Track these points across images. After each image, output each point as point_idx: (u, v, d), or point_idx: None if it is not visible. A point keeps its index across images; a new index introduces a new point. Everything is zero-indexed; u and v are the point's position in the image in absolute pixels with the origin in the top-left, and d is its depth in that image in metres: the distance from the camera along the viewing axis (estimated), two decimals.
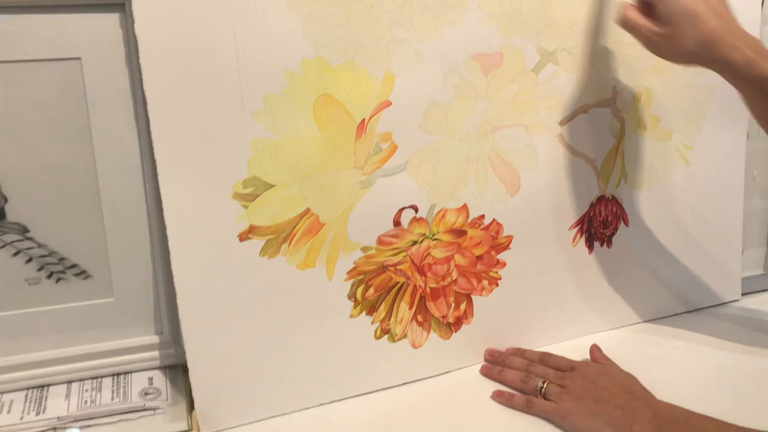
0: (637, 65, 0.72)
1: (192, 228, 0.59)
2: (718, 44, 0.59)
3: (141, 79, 0.56)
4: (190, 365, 0.61)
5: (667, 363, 0.72)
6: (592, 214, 0.74)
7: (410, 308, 0.68)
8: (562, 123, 0.70)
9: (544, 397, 0.63)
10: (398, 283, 0.67)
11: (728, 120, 0.79)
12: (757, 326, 0.80)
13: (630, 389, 0.61)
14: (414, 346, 0.69)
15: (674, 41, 0.60)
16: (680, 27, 0.59)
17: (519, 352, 0.71)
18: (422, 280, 0.68)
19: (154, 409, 0.62)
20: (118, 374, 0.65)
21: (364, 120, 0.63)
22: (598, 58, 0.70)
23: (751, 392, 0.67)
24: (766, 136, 0.85)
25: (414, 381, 0.69)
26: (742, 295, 0.86)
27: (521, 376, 0.66)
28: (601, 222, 0.75)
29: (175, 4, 0.55)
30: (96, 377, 0.64)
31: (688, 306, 0.82)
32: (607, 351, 0.71)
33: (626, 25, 0.63)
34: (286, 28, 0.58)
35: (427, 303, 0.69)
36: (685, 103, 0.75)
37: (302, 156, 0.61)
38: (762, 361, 0.73)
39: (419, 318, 0.69)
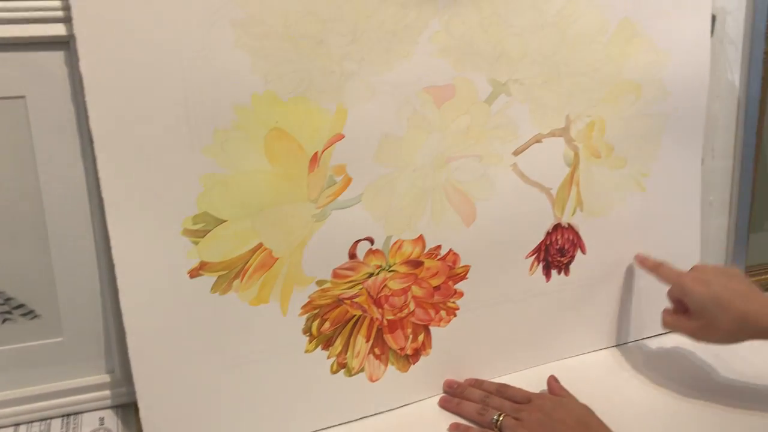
0: (590, 94, 0.72)
1: (141, 265, 0.58)
2: (752, 317, 0.63)
3: (87, 117, 0.55)
4: (140, 404, 0.59)
5: (625, 391, 0.73)
6: (548, 242, 0.74)
7: (367, 341, 0.68)
8: (516, 153, 0.71)
9: (500, 430, 0.62)
10: (354, 316, 0.67)
11: (683, 147, 0.80)
12: (715, 350, 0.81)
13: (584, 421, 0.61)
14: (371, 380, 0.68)
15: (713, 328, 0.65)
16: (712, 315, 0.65)
17: (477, 384, 0.71)
18: (379, 313, 0.68)
19: None
20: (68, 415, 0.63)
21: (316, 153, 0.62)
22: (551, 88, 0.70)
23: (709, 419, 0.68)
24: (722, 163, 0.87)
25: (372, 415, 0.68)
26: None
27: (478, 409, 0.66)
28: (557, 250, 0.75)
29: (121, 41, 0.54)
30: (45, 419, 0.63)
31: (647, 332, 0.83)
32: (566, 380, 0.71)
33: (668, 327, 0.69)
34: (234, 63, 0.58)
35: (384, 335, 0.68)
36: (639, 131, 0.76)
37: (254, 190, 0.61)
38: (722, 387, 0.73)
39: (376, 351, 0.68)
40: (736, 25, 0.82)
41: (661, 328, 0.71)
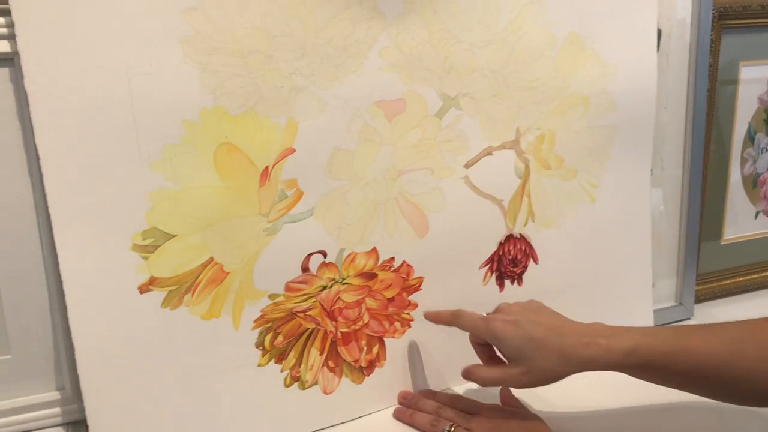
0: (540, 107, 0.74)
1: (90, 281, 0.58)
2: (571, 351, 0.59)
3: (33, 133, 0.55)
4: (90, 422, 0.59)
5: (579, 401, 0.73)
6: (501, 252, 0.76)
7: (321, 354, 0.68)
8: (467, 165, 0.72)
9: None
10: (308, 329, 0.67)
11: (632, 157, 0.81)
12: None
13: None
14: (325, 393, 0.69)
15: (536, 370, 0.59)
16: (530, 357, 0.59)
17: (431, 395, 0.72)
18: (333, 325, 0.68)
19: None
20: None
21: (267, 167, 0.63)
22: (501, 101, 0.72)
23: (662, 428, 0.69)
24: (672, 174, 0.89)
25: (326, 428, 0.68)
26: (657, 326, 0.88)
27: (430, 420, 0.66)
28: (510, 260, 0.76)
29: (66, 58, 0.55)
30: None
31: None
32: (519, 391, 0.71)
33: (486, 383, 0.62)
34: (182, 79, 0.58)
35: (338, 348, 0.69)
36: (588, 142, 0.78)
37: (204, 205, 0.61)
38: (673, 396, 0.75)
39: (330, 363, 0.69)
40: (681, 38, 0.84)
41: (477, 383, 0.63)
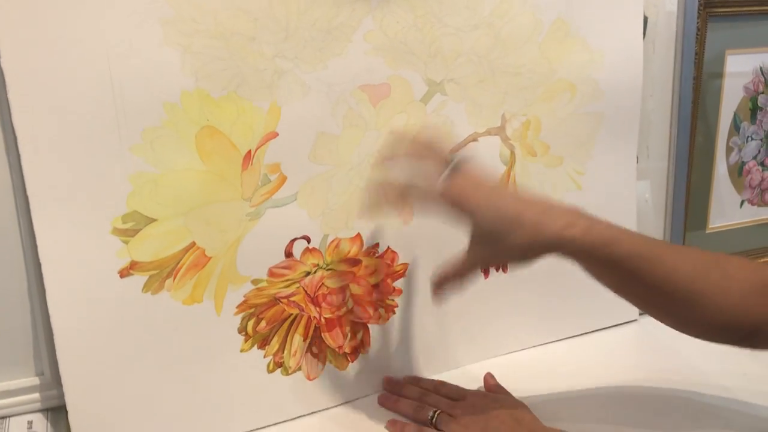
0: (526, 93, 0.73)
1: (69, 265, 0.57)
2: (547, 227, 0.54)
3: (10, 114, 0.54)
4: (69, 407, 0.58)
5: (564, 386, 0.74)
6: None
7: (304, 340, 0.68)
8: (452, 152, 0.71)
9: (436, 427, 0.63)
10: (291, 315, 0.67)
11: (617, 145, 0.81)
12: (654, 346, 0.83)
13: (518, 418, 0.62)
14: (309, 378, 0.68)
15: (500, 243, 0.54)
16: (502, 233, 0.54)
17: (415, 381, 0.71)
18: (317, 311, 0.68)
19: None
20: None
21: (250, 151, 0.62)
22: (486, 87, 0.71)
23: (647, 413, 0.69)
24: (657, 162, 0.89)
25: (309, 413, 0.68)
26: (643, 314, 0.89)
27: (415, 406, 0.66)
28: None
29: (45, 36, 0.54)
30: None
31: (585, 328, 0.84)
32: (504, 375, 0.72)
33: (454, 277, 0.58)
34: (163, 61, 0.57)
35: (322, 334, 0.68)
36: (574, 129, 0.77)
37: (185, 189, 0.60)
38: (657, 381, 0.75)
39: (314, 349, 0.68)
40: (668, 26, 0.84)
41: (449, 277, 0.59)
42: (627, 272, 0.56)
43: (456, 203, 0.56)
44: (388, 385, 0.71)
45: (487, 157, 0.73)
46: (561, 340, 0.83)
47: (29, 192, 0.55)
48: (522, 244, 0.54)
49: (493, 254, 0.56)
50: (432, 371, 0.74)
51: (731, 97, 0.93)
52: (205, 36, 0.58)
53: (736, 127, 0.95)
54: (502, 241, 0.54)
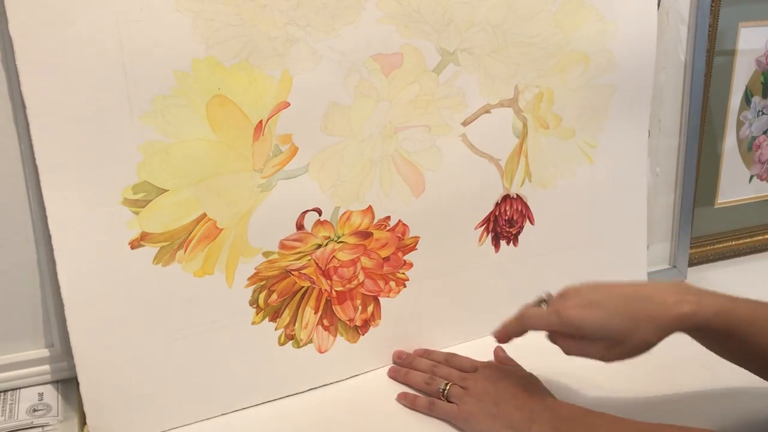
0: (539, 65, 0.72)
1: (79, 236, 0.57)
2: (661, 314, 0.55)
3: (19, 81, 0.53)
4: (80, 379, 0.58)
5: (575, 359, 0.73)
6: (497, 213, 0.75)
7: (315, 313, 0.67)
8: (465, 123, 0.70)
9: (447, 399, 0.63)
10: (303, 287, 0.66)
11: (629, 118, 0.80)
12: None
13: (530, 390, 0.62)
14: (320, 351, 0.68)
15: (630, 345, 0.55)
16: (620, 333, 0.55)
17: (426, 354, 0.71)
18: (328, 284, 0.67)
19: (42, 426, 0.59)
20: (5, 391, 0.62)
21: (261, 121, 0.61)
22: (499, 58, 0.70)
23: (652, 387, 0.69)
24: (668, 134, 0.88)
25: (320, 386, 0.68)
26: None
27: (425, 378, 0.66)
28: (506, 221, 0.75)
29: (53, 3, 0.52)
30: None
31: None
32: (513, 349, 0.71)
33: (572, 352, 0.58)
34: (174, 27, 0.56)
35: (333, 307, 0.68)
36: (586, 101, 0.76)
37: (196, 159, 0.59)
38: (667, 353, 0.75)
39: (325, 322, 0.68)
40: None
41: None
42: (739, 337, 0.55)
43: (573, 327, 0.57)
44: (398, 359, 0.71)
45: (500, 129, 0.72)
46: None
47: (38, 162, 0.55)
48: (644, 337, 0.55)
49: (618, 354, 0.56)
50: (442, 344, 0.74)
51: (743, 71, 0.92)
52: (217, 2, 0.57)
53: (747, 101, 0.94)
54: (624, 343, 0.56)
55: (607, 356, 0.56)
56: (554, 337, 0.59)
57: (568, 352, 0.58)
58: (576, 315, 0.56)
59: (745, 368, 0.59)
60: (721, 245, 0.98)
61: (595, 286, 0.59)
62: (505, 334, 0.63)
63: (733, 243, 0.99)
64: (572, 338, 0.58)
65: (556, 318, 0.58)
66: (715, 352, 0.59)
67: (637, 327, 0.55)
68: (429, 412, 0.63)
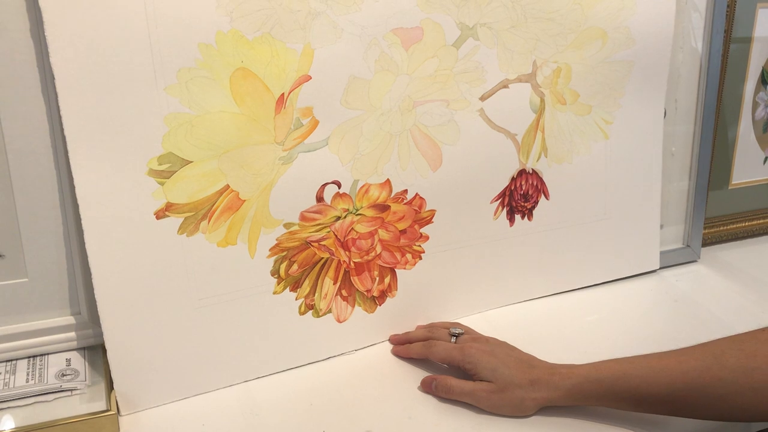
0: (557, 40, 0.73)
1: (106, 206, 0.58)
2: (538, 378, 0.59)
3: (47, 53, 0.54)
4: (108, 345, 0.60)
5: (583, 334, 0.75)
6: (513, 187, 0.76)
7: (335, 283, 0.69)
8: (483, 98, 0.71)
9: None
10: (322, 258, 0.68)
11: (646, 95, 0.81)
12: (673, 296, 0.84)
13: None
14: (339, 321, 0.69)
15: (507, 392, 0.60)
16: (502, 380, 0.60)
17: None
18: (346, 255, 0.69)
19: (71, 390, 0.60)
20: (34, 356, 0.63)
21: (283, 94, 0.62)
22: (518, 33, 0.71)
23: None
24: (684, 116, 0.88)
25: (339, 355, 0.70)
26: (664, 267, 0.89)
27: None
28: (521, 195, 0.76)
29: None
30: (10, 360, 0.63)
31: (607, 276, 0.85)
32: (526, 321, 0.73)
33: (456, 392, 0.62)
34: (199, 0, 0.57)
35: (351, 278, 0.69)
36: (603, 78, 0.77)
37: (219, 131, 0.60)
38: (675, 330, 0.76)
39: (344, 293, 0.69)
40: None
41: (446, 392, 0.63)
42: (624, 393, 0.57)
43: (470, 363, 0.63)
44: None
45: (518, 104, 0.73)
46: (582, 289, 0.84)
47: (66, 132, 0.56)
48: (519, 392, 0.60)
49: (495, 390, 0.61)
50: (455, 315, 0.75)
51: (760, 52, 0.92)
52: None
53: (764, 82, 0.94)
54: (505, 393, 0.60)
55: (486, 399, 0.61)
56: (443, 377, 0.64)
57: (449, 390, 0.62)
58: (476, 353, 0.63)
59: (662, 414, 0.58)
60: (734, 226, 0.98)
61: (500, 343, 0.65)
62: (405, 351, 0.69)
63: (747, 224, 0.99)
64: (464, 376, 0.63)
65: (458, 353, 0.64)
66: (618, 407, 0.59)
67: (518, 383, 0.60)
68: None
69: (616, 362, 0.58)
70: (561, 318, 0.77)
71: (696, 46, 0.86)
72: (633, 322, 0.77)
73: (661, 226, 0.88)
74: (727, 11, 0.86)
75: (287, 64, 0.61)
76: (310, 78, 0.63)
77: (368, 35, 0.64)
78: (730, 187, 0.97)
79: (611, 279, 0.85)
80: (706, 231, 0.95)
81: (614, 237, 0.84)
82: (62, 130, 0.56)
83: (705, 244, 0.95)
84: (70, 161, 0.56)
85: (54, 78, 0.54)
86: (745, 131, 0.96)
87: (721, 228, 0.98)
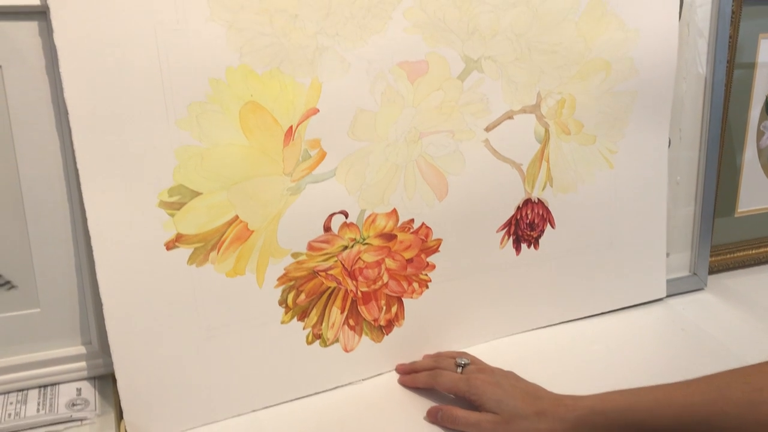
0: (561, 72, 0.74)
1: (117, 237, 0.59)
2: (545, 410, 0.60)
3: (62, 88, 0.55)
4: (117, 375, 0.60)
5: (590, 363, 0.75)
6: (519, 216, 0.76)
7: (342, 312, 0.69)
8: (488, 129, 0.72)
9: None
10: (329, 288, 0.68)
11: (650, 125, 0.81)
12: (680, 324, 0.84)
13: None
14: (346, 350, 0.70)
15: (513, 424, 0.60)
16: (508, 411, 0.61)
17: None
18: (353, 285, 0.69)
19: (81, 419, 0.61)
20: (45, 386, 0.64)
21: (291, 127, 0.63)
22: (522, 65, 0.72)
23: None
24: (689, 145, 0.89)
25: (346, 384, 0.70)
26: (671, 296, 0.89)
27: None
28: (527, 224, 0.77)
29: (95, 12, 0.55)
30: (21, 389, 0.63)
31: (613, 305, 0.85)
32: (533, 350, 0.73)
33: (462, 422, 0.62)
34: (209, 36, 0.58)
35: (358, 307, 0.70)
36: (607, 108, 0.78)
37: (229, 163, 0.61)
38: (683, 359, 0.76)
39: (351, 322, 0.70)
40: (703, 8, 0.84)
41: (452, 422, 0.63)
42: (631, 427, 0.56)
43: (476, 394, 0.63)
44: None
45: (522, 134, 0.74)
46: (588, 317, 0.84)
47: (79, 165, 0.57)
48: (524, 424, 0.60)
49: (500, 422, 0.61)
50: (462, 344, 0.76)
51: (763, 82, 0.93)
52: (250, 12, 0.59)
53: (767, 110, 0.95)
54: (510, 424, 0.61)
55: (491, 431, 0.61)
56: (449, 408, 0.64)
57: (455, 421, 0.63)
58: (482, 384, 0.63)
59: None
60: (741, 253, 0.98)
61: (506, 374, 0.66)
62: (411, 381, 0.69)
63: (753, 251, 0.99)
64: (470, 406, 0.63)
65: (464, 384, 0.64)
66: None
67: (524, 415, 0.60)
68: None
69: (621, 394, 0.58)
70: (567, 346, 0.78)
71: (701, 71, 0.87)
72: (639, 351, 0.77)
73: (668, 254, 0.89)
74: (729, 42, 0.87)
75: (296, 98, 0.63)
76: (318, 111, 0.64)
77: (375, 69, 0.65)
78: (736, 215, 0.98)
79: (618, 307, 0.85)
80: (713, 259, 0.95)
81: (620, 265, 0.84)
82: (75, 162, 0.57)
83: (712, 272, 0.95)
84: (83, 193, 0.57)
85: (68, 113, 0.56)
86: (751, 159, 0.96)
87: (728, 256, 0.98)
